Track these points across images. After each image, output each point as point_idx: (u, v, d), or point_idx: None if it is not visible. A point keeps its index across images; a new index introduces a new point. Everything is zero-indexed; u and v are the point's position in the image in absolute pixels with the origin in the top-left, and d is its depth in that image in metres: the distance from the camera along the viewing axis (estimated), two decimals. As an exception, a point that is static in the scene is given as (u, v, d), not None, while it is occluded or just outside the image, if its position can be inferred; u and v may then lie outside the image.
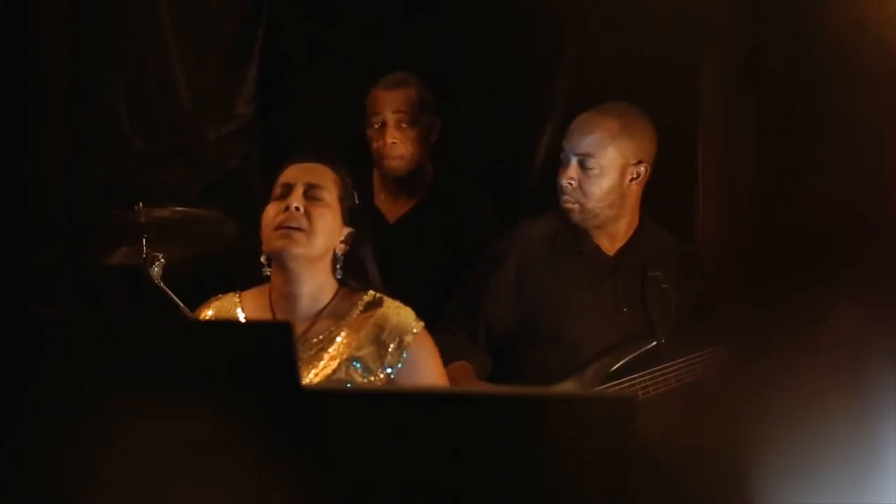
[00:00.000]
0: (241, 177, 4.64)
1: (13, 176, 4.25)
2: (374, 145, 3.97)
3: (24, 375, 1.54)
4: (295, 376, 1.57)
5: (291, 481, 1.53)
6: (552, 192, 3.68)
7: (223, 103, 4.63)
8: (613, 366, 3.53)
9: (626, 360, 3.53)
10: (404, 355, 2.88)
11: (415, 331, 2.90)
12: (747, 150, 3.84)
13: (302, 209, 2.88)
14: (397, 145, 3.94)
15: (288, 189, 2.92)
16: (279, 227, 2.88)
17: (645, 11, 3.90)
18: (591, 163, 3.56)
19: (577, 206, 3.58)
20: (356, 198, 2.99)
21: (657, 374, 3.48)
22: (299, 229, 2.87)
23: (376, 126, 3.96)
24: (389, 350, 2.87)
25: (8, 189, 4.23)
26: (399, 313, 2.92)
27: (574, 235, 3.63)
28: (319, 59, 4.67)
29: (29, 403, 1.54)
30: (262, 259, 2.95)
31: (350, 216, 2.95)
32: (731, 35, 3.87)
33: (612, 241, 3.64)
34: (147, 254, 3.68)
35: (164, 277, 3.70)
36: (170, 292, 3.67)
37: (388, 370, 2.87)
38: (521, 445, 1.54)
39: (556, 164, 3.68)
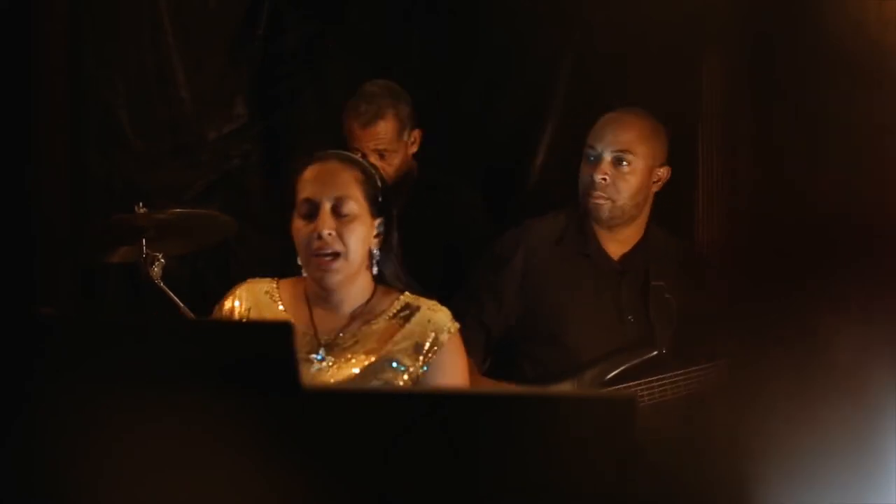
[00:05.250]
0: (241, 177, 4.64)
1: (13, 176, 4.25)
2: None
3: (24, 376, 1.54)
4: (295, 376, 1.57)
5: (291, 481, 1.53)
6: (552, 191, 3.68)
7: (223, 103, 4.63)
8: (612, 371, 3.53)
9: (625, 367, 3.52)
10: (438, 353, 2.89)
11: (451, 331, 2.92)
12: (747, 150, 3.84)
13: (334, 233, 2.86)
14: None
15: (314, 208, 2.88)
16: (314, 254, 2.86)
17: (645, 11, 3.90)
18: (628, 159, 3.56)
19: (608, 202, 3.58)
20: (379, 181, 2.95)
21: (654, 384, 3.48)
22: (335, 256, 2.86)
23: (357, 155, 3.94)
24: (425, 348, 2.89)
25: (8, 189, 4.23)
26: (437, 313, 2.93)
27: (582, 237, 3.62)
28: (319, 59, 4.67)
29: (29, 404, 1.54)
30: (300, 260, 2.94)
31: (378, 207, 2.92)
32: (731, 35, 3.87)
33: (619, 245, 3.63)
34: (147, 254, 3.69)
35: (163, 277, 3.70)
36: (170, 292, 3.67)
37: (422, 366, 2.88)
38: (522, 445, 1.54)
39: (557, 163, 3.68)
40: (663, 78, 4.06)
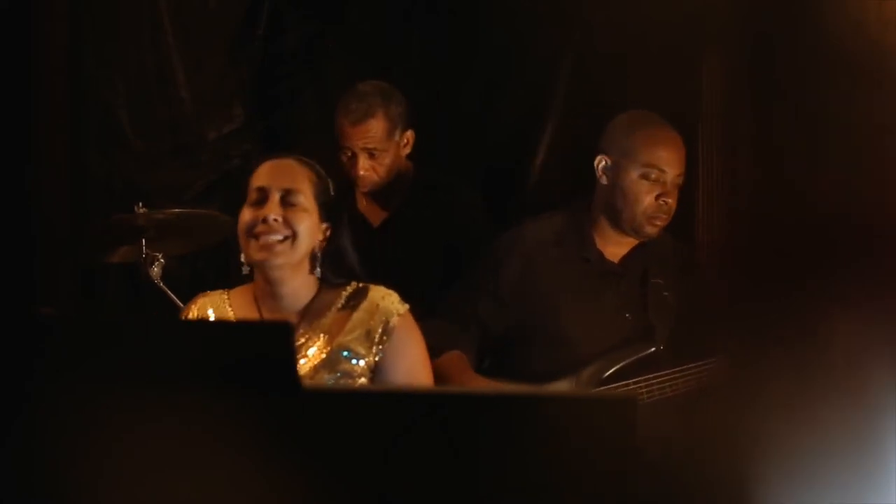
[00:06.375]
0: (241, 177, 4.63)
1: (13, 176, 4.25)
2: (348, 173, 3.94)
3: (23, 375, 1.54)
4: (295, 376, 1.57)
5: (291, 481, 1.53)
6: (552, 191, 3.67)
7: (223, 103, 4.63)
8: (610, 369, 3.52)
9: (623, 364, 3.52)
10: (390, 338, 2.90)
11: (400, 313, 2.93)
12: (747, 150, 3.84)
13: (280, 219, 2.88)
14: (368, 175, 3.93)
15: (263, 195, 2.92)
16: (257, 237, 2.88)
17: (645, 11, 3.90)
18: (681, 180, 3.54)
19: (665, 224, 3.55)
20: (332, 189, 2.99)
21: (652, 381, 3.47)
22: (281, 239, 2.88)
23: (347, 156, 3.94)
24: (377, 334, 2.90)
25: (8, 189, 4.23)
26: (384, 298, 2.95)
27: (580, 240, 3.60)
28: (319, 59, 4.67)
29: (28, 403, 1.54)
30: (242, 258, 2.96)
31: (327, 212, 2.95)
32: (731, 35, 3.87)
33: (620, 247, 3.62)
34: (147, 254, 3.69)
35: (163, 277, 3.70)
36: (169, 292, 3.68)
37: (376, 353, 2.89)
38: (521, 445, 1.54)
39: (557, 163, 3.66)
40: (663, 78, 4.05)
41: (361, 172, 3.90)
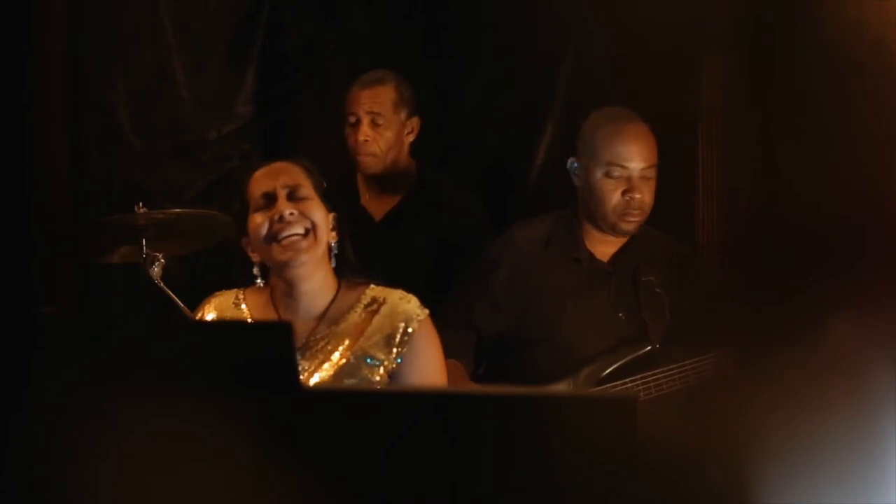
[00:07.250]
0: (242, 177, 4.64)
1: (13, 176, 4.25)
2: (349, 142, 4.00)
3: (24, 375, 1.54)
4: (295, 376, 1.57)
5: (291, 481, 1.53)
6: (552, 192, 3.67)
7: (223, 103, 4.63)
8: (607, 369, 3.52)
9: (620, 363, 3.52)
10: (409, 343, 2.89)
11: (420, 318, 2.91)
12: (747, 150, 3.84)
13: (296, 212, 2.88)
14: (369, 143, 3.95)
15: (270, 198, 2.91)
16: (278, 238, 2.88)
17: (645, 12, 3.90)
18: (651, 173, 3.54)
19: (640, 219, 3.56)
20: (324, 181, 3.00)
21: (648, 379, 3.48)
22: (303, 234, 2.87)
23: (351, 123, 3.98)
24: (396, 340, 2.89)
25: (8, 189, 4.23)
26: (404, 302, 2.93)
27: (571, 240, 3.61)
28: (319, 59, 4.67)
29: (28, 403, 1.54)
30: (255, 271, 2.95)
31: (328, 201, 2.96)
32: (731, 35, 3.87)
33: (609, 246, 3.62)
34: (147, 254, 3.69)
35: (163, 277, 3.70)
36: (170, 292, 3.67)
37: (395, 357, 2.88)
38: (521, 445, 1.55)
39: (557, 164, 3.66)
40: (663, 78, 4.05)
41: (362, 138, 3.94)
